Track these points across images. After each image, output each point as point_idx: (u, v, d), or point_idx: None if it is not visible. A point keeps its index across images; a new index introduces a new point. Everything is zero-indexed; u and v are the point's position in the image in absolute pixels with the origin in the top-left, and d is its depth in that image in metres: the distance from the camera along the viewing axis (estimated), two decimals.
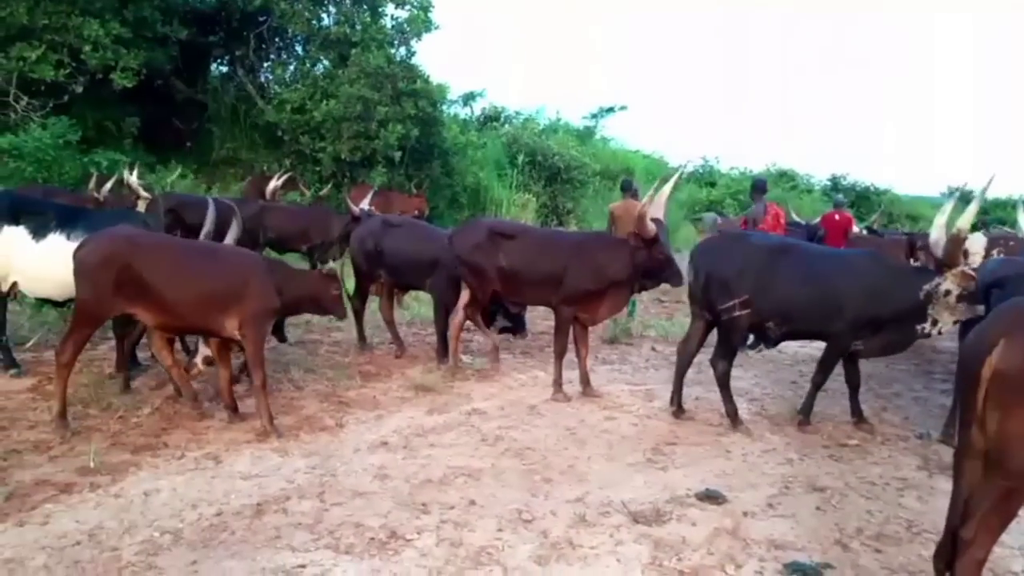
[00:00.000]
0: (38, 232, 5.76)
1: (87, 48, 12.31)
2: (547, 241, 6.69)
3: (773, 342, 5.84)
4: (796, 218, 13.96)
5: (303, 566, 3.44)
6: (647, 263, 6.03)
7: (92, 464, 4.41)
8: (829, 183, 29.57)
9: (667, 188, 6.16)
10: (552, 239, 6.98)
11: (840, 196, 13.43)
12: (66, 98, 12.67)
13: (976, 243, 8.57)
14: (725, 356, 5.85)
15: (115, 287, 4.82)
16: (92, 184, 9.07)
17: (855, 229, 12.74)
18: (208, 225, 5.85)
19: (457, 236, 6.76)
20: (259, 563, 3.45)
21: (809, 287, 5.47)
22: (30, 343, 6.77)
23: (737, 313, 5.58)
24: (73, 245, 5.61)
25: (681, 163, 7.55)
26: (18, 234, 5.75)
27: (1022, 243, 8.86)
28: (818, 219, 13.07)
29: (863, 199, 27.58)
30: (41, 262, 5.69)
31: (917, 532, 4.05)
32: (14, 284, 5.89)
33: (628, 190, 9.61)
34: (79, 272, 4.86)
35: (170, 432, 5.03)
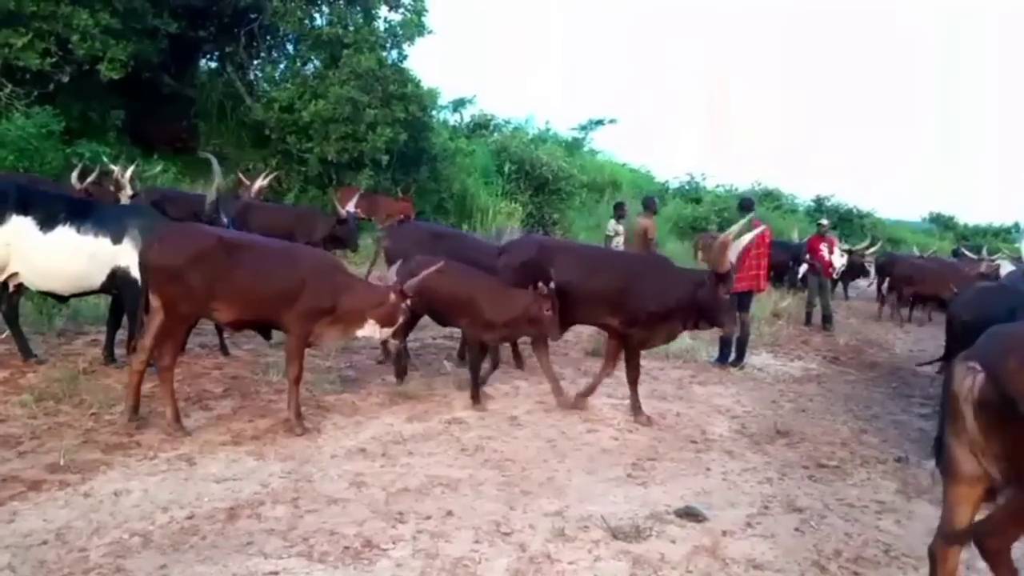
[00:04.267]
0: (46, 224, 5.64)
1: (75, 37, 12.16)
2: (604, 260, 6.56)
3: None
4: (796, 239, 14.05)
5: (275, 573, 3.37)
6: (709, 300, 5.79)
7: (62, 462, 4.31)
8: (813, 204, 29.86)
9: (746, 239, 6.12)
10: (611, 258, 6.85)
11: (823, 221, 13.62)
12: (51, 87, 12.52)
13: None
14: None
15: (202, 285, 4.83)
16: (74, 176, 8.94)
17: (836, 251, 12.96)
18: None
19: (510, 251, 6.61)
20: (230, 569, 3.37)
21: None
22: (3, 335, 6.63)
23: None
24: (82, 239, 5.56)
25: (759, 226, 7.72)
26: (25, 225, 5.62)
27: None
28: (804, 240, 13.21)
29: (846, 221, 27.87)
30: (48, 254, 5.58)
31: (895, 556, 4.04)
32: (13, 275, 5.75)
33: (649, 207, 9.99)
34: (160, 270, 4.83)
35: (143, 431, 4.93)
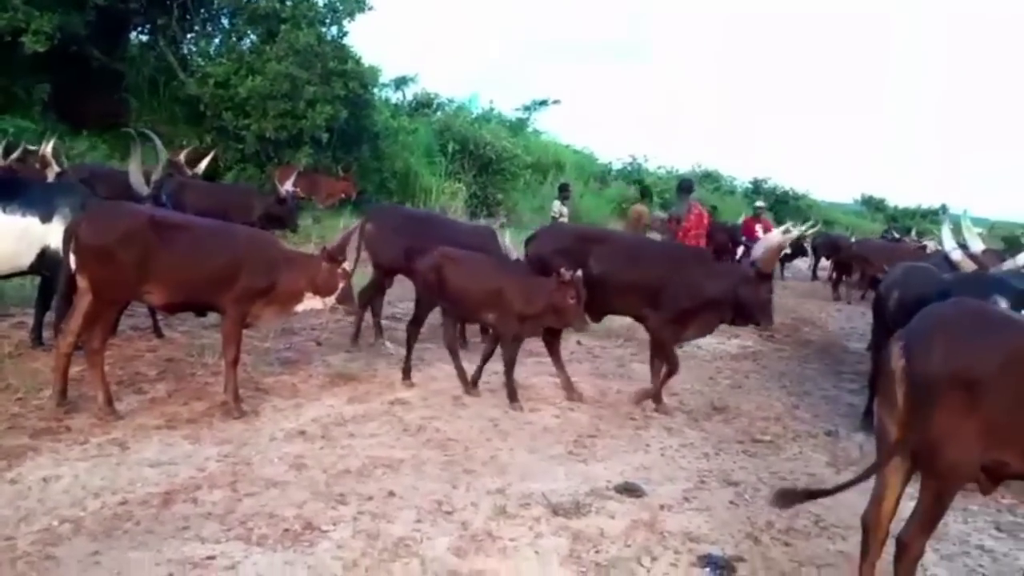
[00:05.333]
0: None
1: None
2: (645, 251, 6.44)
3: None
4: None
5: (212, 558, 3.32)
6: (750, 296, 5.76)
7: None
8: (751, 186, 30.48)
9: (795, 232, 6.14)
10: (651, 249, 6.70)
11: (759, 203, 13.94)
12: None
13: None
14: None
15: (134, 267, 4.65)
16: None
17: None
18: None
19: (542, 238, 6.47)
20: (165, 554, 3.31)
21: None
22: None
23: None
24: (10, 218, 5.41)
25: (804, 224, 7.71)
26: None
27: None
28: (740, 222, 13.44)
29: (782, 203, 28.54)
30: None
31: (824, 527, 4.19)
32: None
33: (646, 196, 10.04)
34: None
35: (73, 416, 4.77)
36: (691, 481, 4.71)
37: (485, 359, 6.08)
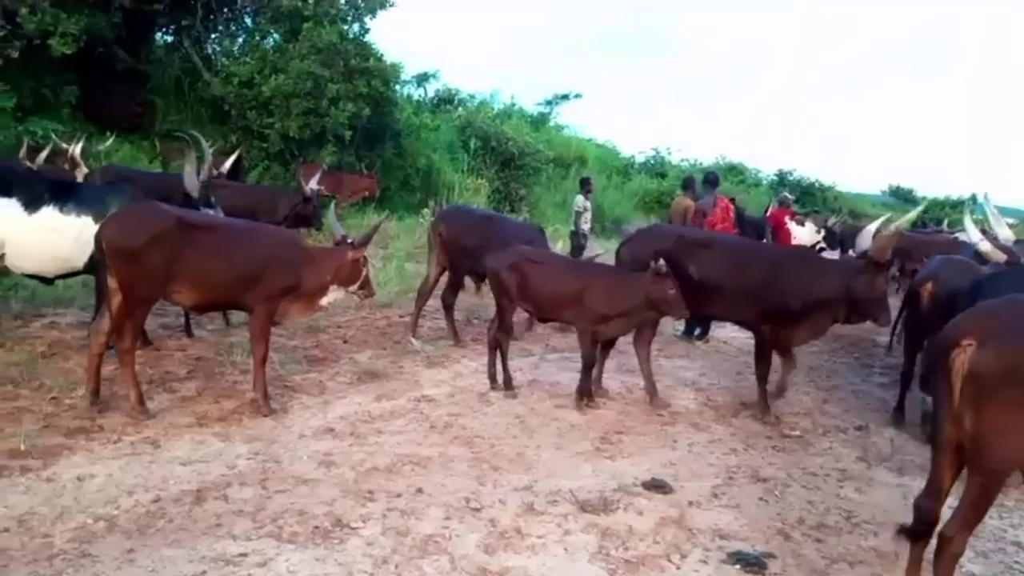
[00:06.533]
0: (30, 205, 5.47)
1: (24, 11, 11.75)
2: (749, 253, 6.25)
3: None
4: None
5: (244, 555, 3.35)
6: (865, 291, 5.44)
7: (23, 447, 4.22)
8: (776, 178, 30.14)
9: (911, 215, 5.96)
10: (756, 251, 6.52)
11: (786, 193, 13.73)
12: (1, 63, 12.10)
13: None
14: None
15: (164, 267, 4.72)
16: (23, 153, 8.70)
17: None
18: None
19: (639, 240, 6.32)
20: (199, 551, 3.35)
21: None
22: None
23: None
24: (66, 219, 5.48)
25: (922, 200, 7.27)
26: (9, 206, 5.44)
27: None
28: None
29: (808, 195, 28.20)
30: (33, 236, 5.43)
31: (856, 523, 4.15)
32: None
33: (689, 188, 9.88)
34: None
35: (106, 415, 4.84)
36: (720, 477, 4.68)
37: (594, 367, 5.97)
